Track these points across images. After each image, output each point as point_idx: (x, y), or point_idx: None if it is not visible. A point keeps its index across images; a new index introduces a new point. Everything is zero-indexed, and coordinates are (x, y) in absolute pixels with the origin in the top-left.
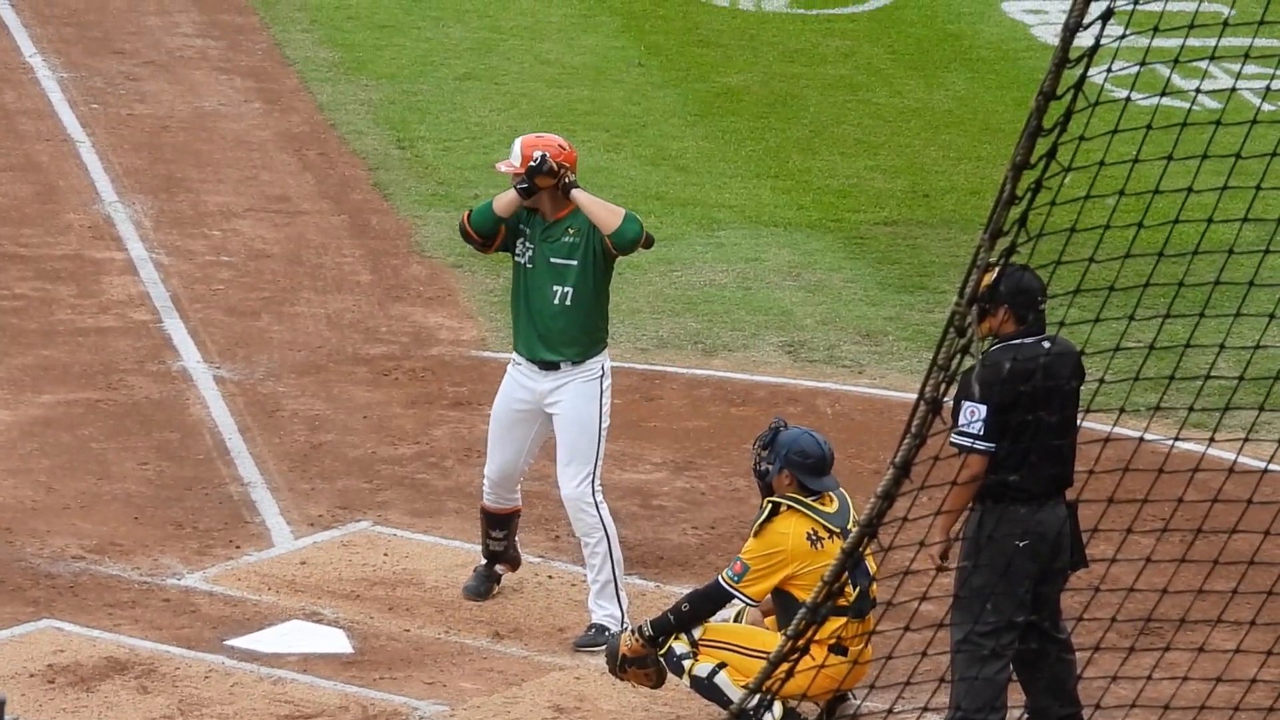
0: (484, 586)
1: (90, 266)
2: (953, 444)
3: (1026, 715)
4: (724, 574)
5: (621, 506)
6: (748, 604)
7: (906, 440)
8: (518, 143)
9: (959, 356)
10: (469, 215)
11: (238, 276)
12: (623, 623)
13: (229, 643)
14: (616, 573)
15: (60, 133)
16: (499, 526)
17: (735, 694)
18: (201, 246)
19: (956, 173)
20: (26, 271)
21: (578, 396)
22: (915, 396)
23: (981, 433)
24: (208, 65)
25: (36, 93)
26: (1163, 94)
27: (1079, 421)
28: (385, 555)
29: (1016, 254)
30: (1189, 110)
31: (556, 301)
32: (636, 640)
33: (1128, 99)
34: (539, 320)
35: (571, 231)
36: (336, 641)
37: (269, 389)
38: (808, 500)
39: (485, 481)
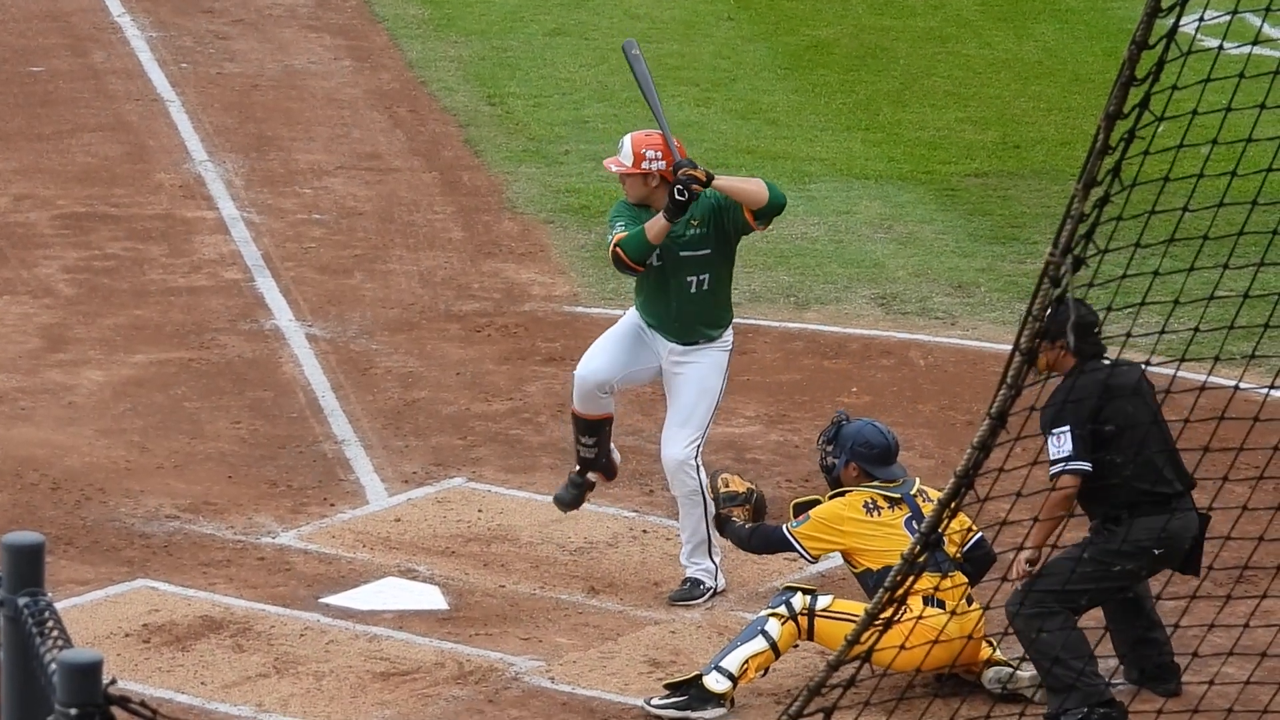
0: (576, 495)
1: (181, 226)
2: (1051, 476)
3: (1121, 666)
4: (790, 522)
5: (716, 459)
6: (802, 555)
7: (1002, 391)
8: (627, 141)
9: (1053, 307)
10: (624, 251)
11: (329, 234)
12: (716, 577)
13: (324, 600)
14: (710, 532)
15: (150, 92)
16: (589, 432)
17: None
18: (293, 205)
19: (1047, 123)
20: (118, 231)
21: (706, 363)
22: (1009, 347)
23: (1072, 453)
24: (297, 23)
25: (126, 52)
26: (1254, 43)
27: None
28: (480, 511)
29: (1110, 204)
30: None
31: (694, 290)
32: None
33: (1219, 48)
34: (679, 309)
35: (695, 223)
36: (432, 598)
37: (361, 347)
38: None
39: (575, 381)
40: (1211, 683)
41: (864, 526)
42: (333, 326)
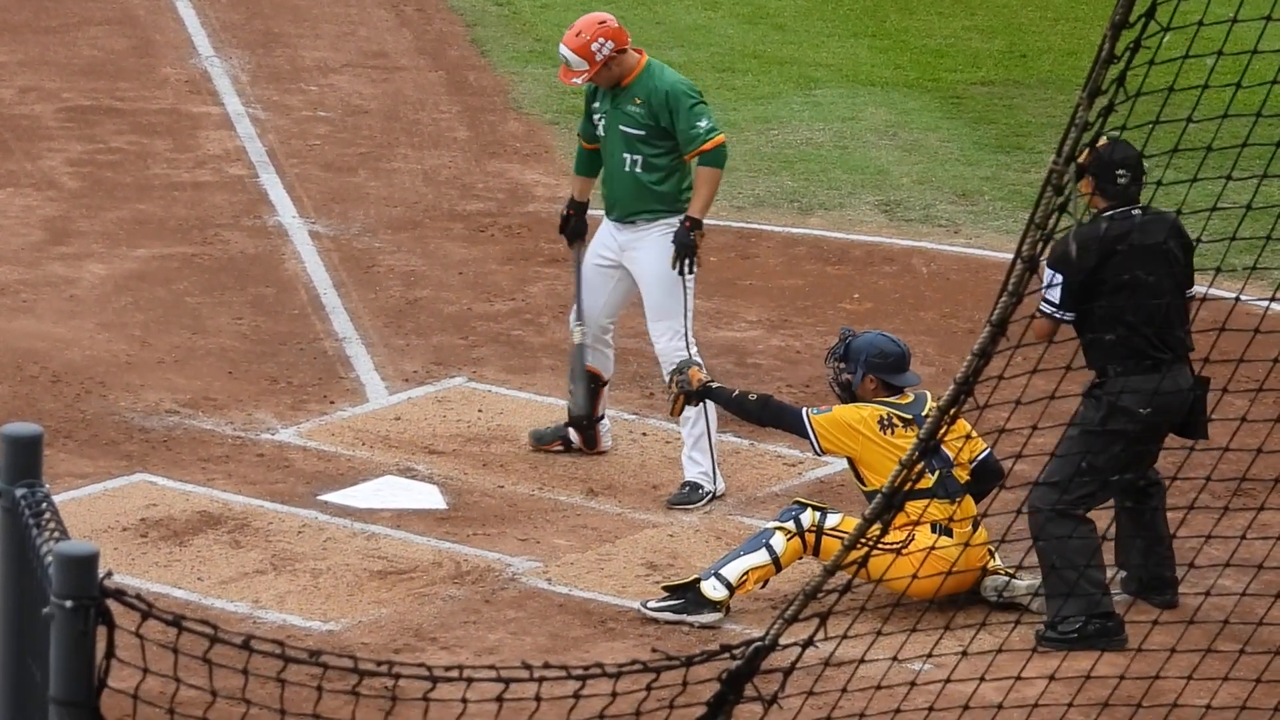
0: (548, 437)
1: (187, 121)
2: (1034, 313)
3: (1123, 574)
4: (810, 408)
5: (717, 364)
6: (812, 444)
7: (1003, 298)
8: (567, 51)
9: (1056, 215)
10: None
11: (334, 132)
12: (714, 479)
13: (322, 498)
14: (710, 427)
15: None
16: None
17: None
18: (298, 102)
19: (1053, 33)
20: (123, 125)
21: (654, 252)
22: (1011, 256)
23: (1056, 299)
24: None
25: None
26: None
27: (1194, 288)
28: (480, 411)
29: (1114, 113)
30: None
31: (627, 169)
32: (698, 382)
33: None
34: (613, 183)
35: (638, 101)
36: (430, 497)
37: (365, 244)
38: (887, 398)
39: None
40: (1208, 594)
41: (877, 441)
42: (336, 224)
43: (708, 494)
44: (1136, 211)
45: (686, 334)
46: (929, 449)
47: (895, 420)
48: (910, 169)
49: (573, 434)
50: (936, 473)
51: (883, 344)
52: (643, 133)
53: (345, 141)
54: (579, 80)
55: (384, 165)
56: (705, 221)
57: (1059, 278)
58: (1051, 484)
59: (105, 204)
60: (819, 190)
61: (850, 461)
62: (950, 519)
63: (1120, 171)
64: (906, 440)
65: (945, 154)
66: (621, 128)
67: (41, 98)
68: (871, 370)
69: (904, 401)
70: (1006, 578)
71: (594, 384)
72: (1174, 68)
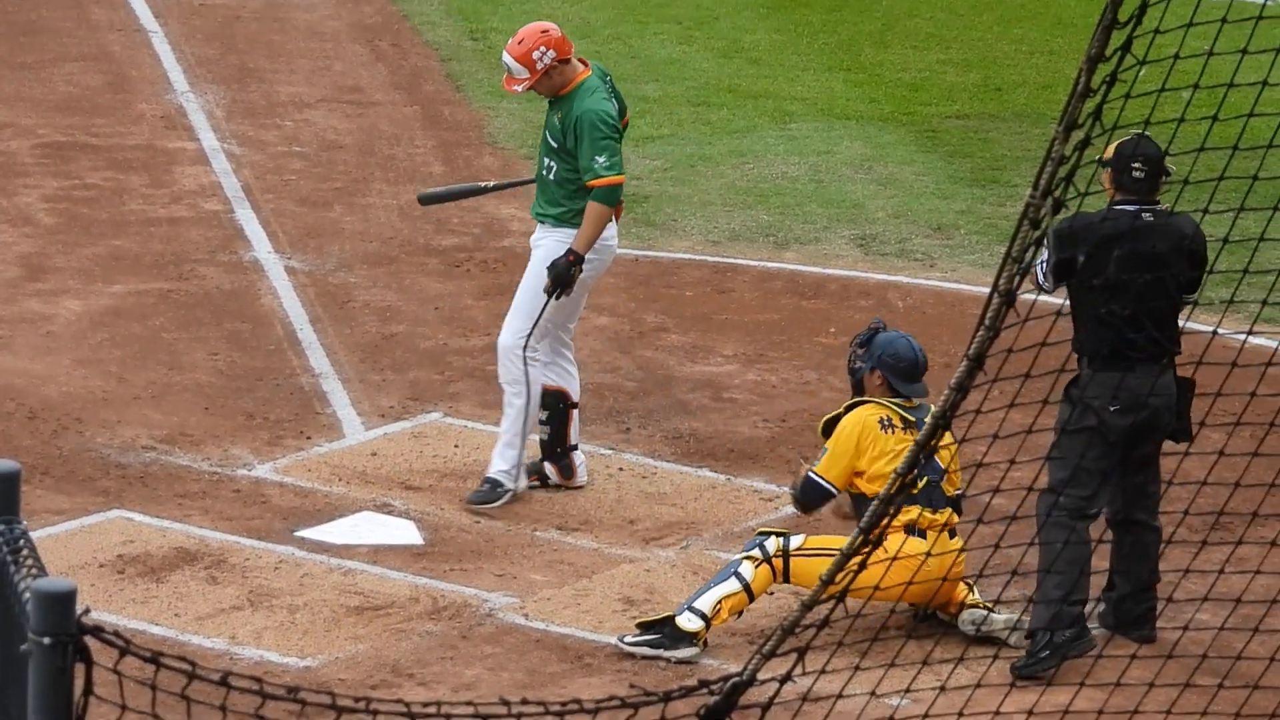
0: (528, 469)
1: (162, 156)
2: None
3: (1101, 607)
4: (812, 463)
5: (692, 399)
6: (832, 491)
7: (980, 333)
8: (509, 59)
9: (1033, 249)
10: None
11: (310, 167)
12: (516, 478)
13: (299, 534)
14: (525, 430)
15: (133, 23)
16: (541, 404)
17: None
18: (273, 137)
19: (1028, 66)
20: (98, 161)
21: (541, 254)
22: (987, 290)
23: (1045, 275)
24: None
25: None
26: None
27: (1182, 297)
28: (456, 446)
29: (1091, 147)
30: (1263, 4)
31: (544, 171)
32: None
33: None
34: (538, 182)
35: (560, 115)
36: (407, 533)
37: (340, 280)
38: (893, 399)
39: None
40: (1186, 628)
41: (876, 443)
42: (312, 259)
43: (507, 492)
44: (1148, 215)
45: (528, 339)
46: (906, 484)
47: (896, 421)
48: (886, 203)
49: (548, 468)
50: (925, 479)
51: (901, 347)
52: (555, 145)
53: (320, 176)
54: (519, 88)
55: (359, 200)
56: (680, 256)
57: (1045, 258)
58: (1047, 490)
59: (81, 240)
60: (794, 224)
61: None
62: (930, 526)
63: (1136, 165)
64: (904, 442)
65: (920, 188)
66: (546, 133)
67: (17, 134)
68: (882, 368)
69: (909, 405)
70: (985, 611)
71: (563, 404)
72: (1150, 101)
